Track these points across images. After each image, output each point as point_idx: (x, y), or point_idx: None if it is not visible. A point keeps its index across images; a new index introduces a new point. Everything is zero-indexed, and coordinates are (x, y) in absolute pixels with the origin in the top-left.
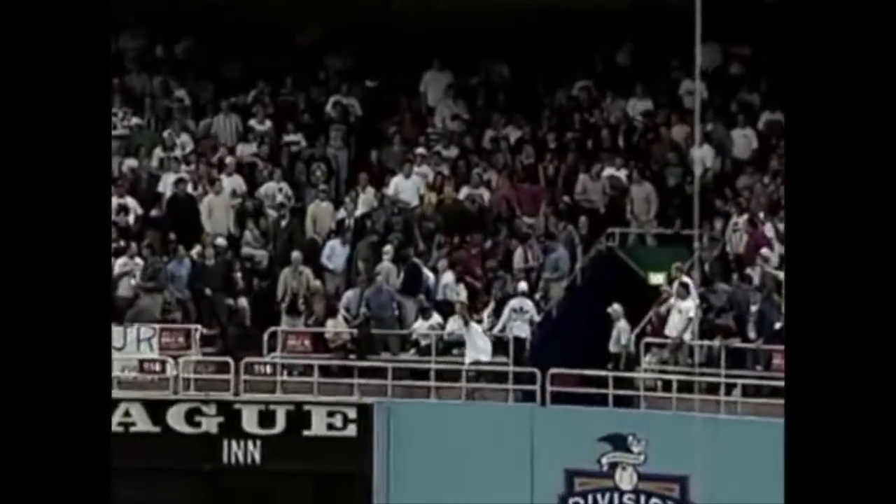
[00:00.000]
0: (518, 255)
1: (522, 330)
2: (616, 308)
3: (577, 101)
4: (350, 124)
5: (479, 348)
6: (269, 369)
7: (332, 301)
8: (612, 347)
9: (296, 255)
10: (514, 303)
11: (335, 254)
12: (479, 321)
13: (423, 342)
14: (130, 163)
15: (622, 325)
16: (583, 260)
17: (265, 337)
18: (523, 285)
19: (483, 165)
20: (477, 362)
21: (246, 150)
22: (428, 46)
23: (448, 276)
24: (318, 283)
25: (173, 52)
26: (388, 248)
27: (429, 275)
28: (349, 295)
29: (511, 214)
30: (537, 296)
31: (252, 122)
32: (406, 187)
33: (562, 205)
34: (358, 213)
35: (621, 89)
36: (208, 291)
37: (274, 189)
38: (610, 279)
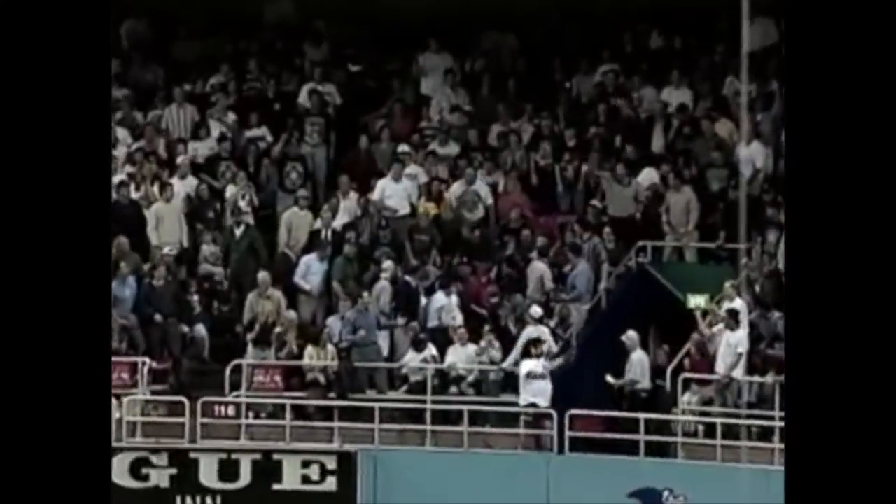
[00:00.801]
0: (531, 273)
1: (537, 363)
2: (631, 336)
3: (601, 89)
4: (328, 117)
5: (537, 390)
6: (231, 411)
7: (308, 328)
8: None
9: (263, 274)
10: (529, 331)
11: (311, 272)
12: (539, 355)
13: (414, 377)
14: None
15: (638, 356)
16: (608, 279)
17: (227, 372)
18: (536, 310)
19: (488, 167)
20: (533, 405)
21: (203, 147)
22: (422, 23)
23: (445, 299)
24: (291, 312)
25: (115, 31)
26: (388, 263)
27: (424, 298)
28: (332, 322)
29: (522, 225)
30: (552, 321)
31: (211, 115)
32: (396, 192)
33: (583, 214)
34: (338, 223)
35: (654, 76)
36: (158, 317)
37: (237, 194)
38: (641, 302)
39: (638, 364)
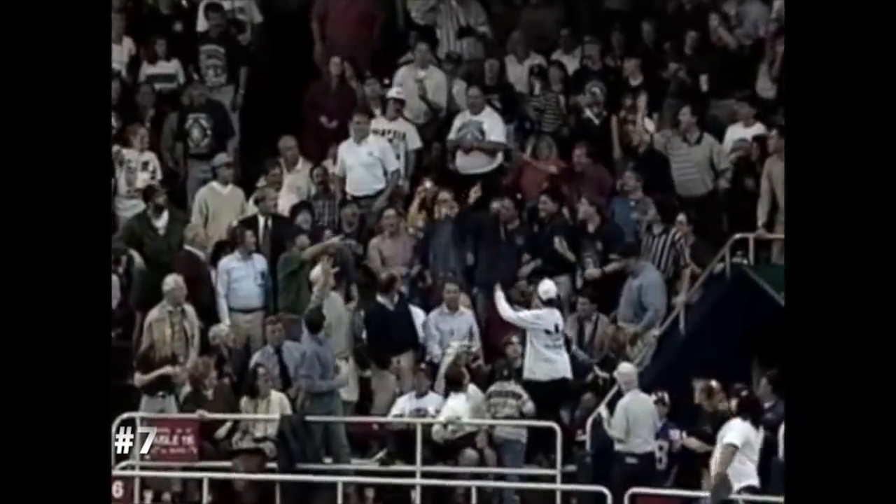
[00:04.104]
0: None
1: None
2: (625, 371)
3: (669, 6)
4: (258, 47)
5: (747, 473)
6: (119, 490)
7: (234, 365)
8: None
9: (170, 280)
10: (528, 316)
11: (236, 278)
12: (758, 421)
13: (396, 439)
14: None
15: (631, 402)
16: (690, 289)
17: (113, 429)
18: (549, 286)
19: (505, 118)
20: (751, 488)
21: None
22: None
23: (450, 320)
24: (222, 327)
25: None
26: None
27: (417, 318)
28: (271, 355)
29: (559, 208)
30: (583, 335)
31: None
32: (367, 161)
33: (658, 193)
34: (280, 206)
35: None
36: None
37: (134, 162)
38: (736, 320)
39: (623, 414)
